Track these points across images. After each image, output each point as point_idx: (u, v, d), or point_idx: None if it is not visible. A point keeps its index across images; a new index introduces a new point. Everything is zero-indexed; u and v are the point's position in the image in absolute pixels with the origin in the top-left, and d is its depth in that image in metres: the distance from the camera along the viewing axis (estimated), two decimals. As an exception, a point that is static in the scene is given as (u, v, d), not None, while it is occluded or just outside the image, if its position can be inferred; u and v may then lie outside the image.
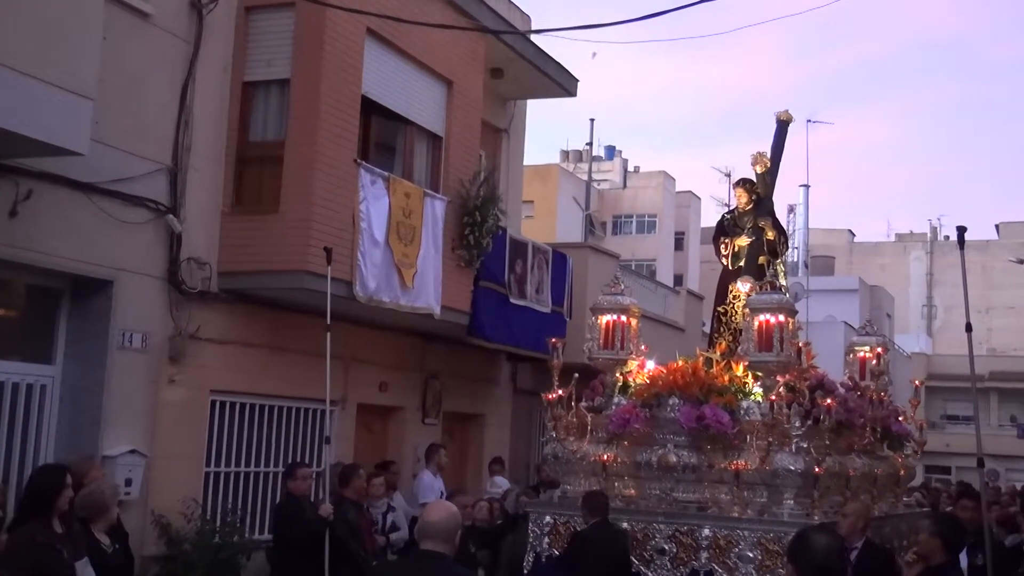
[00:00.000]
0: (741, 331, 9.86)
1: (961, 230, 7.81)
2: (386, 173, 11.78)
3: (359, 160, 11.36)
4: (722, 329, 10.83)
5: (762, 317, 9.21)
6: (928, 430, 13.22)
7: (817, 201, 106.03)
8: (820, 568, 3.61)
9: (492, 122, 15.90)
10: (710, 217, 68.96)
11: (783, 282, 10.81)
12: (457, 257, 12.99)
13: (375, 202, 11.47)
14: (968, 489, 10.91)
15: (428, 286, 12.29)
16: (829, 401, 9.30)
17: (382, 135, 12.58)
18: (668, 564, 8.84)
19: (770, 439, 8.86)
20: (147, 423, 10.06)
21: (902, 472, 10.98)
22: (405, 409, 13.88)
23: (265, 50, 11.14)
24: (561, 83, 16.33)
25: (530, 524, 9.61)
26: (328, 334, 9.47)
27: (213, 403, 10.96)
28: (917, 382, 11.72)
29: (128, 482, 9.68)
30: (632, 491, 9.48)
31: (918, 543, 6.66)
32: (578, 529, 8.92)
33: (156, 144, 10.26)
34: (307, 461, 11.65)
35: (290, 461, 11.46)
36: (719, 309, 10.94)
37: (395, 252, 11.69)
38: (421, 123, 12.80)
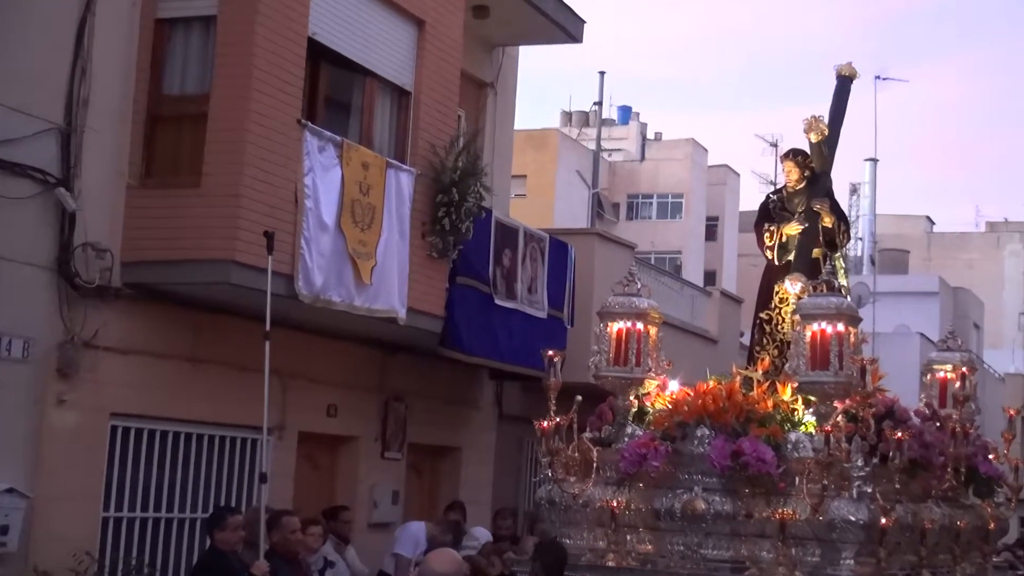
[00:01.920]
0: (789, 344, 9.85)
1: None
2: (339, 137, 11.75)
3: (304, 120, 11.33)
4: (765, 341, 10.81)
5: (816, 326, 9.21)
6: (1026, 472, 13.22)
7: (887, 180, 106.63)
8: None
9: (474, 74, 15.89)
10: (751, 198, 69.30)
11: (843, 282, 10.81)
12: (428, 246, 12.98)
13: (324, 174, 11.45)
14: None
15: (391, 283, 12.27)
16: (900, 434, 9.30)
17: (334, 89, 12.55)
18: (694, 641, 8.86)
19: (825, 482, 8.86)
20: (28, 455, 10.01)
21: (992, 525, 10.99)
22: (360, 439, 13.87)
23: (185, -22, 11.15)
24: (563, 25, 16.32)
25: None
26: (267, 343, 9.46)
27: (114, 429, 10.92)
28: (1012, 411, 11.72)
29: (3, 530, 9.64)
30: (649, 547, 9.47)
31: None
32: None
33: (43, 97, 10.21)
34: (237, 505, 11.63)
35: (215, 505, 11.42)
36: (762, 315, 10.93)
37: (349, 239, 11.67)
38: (384, 74, 12.78)
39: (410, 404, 14.47)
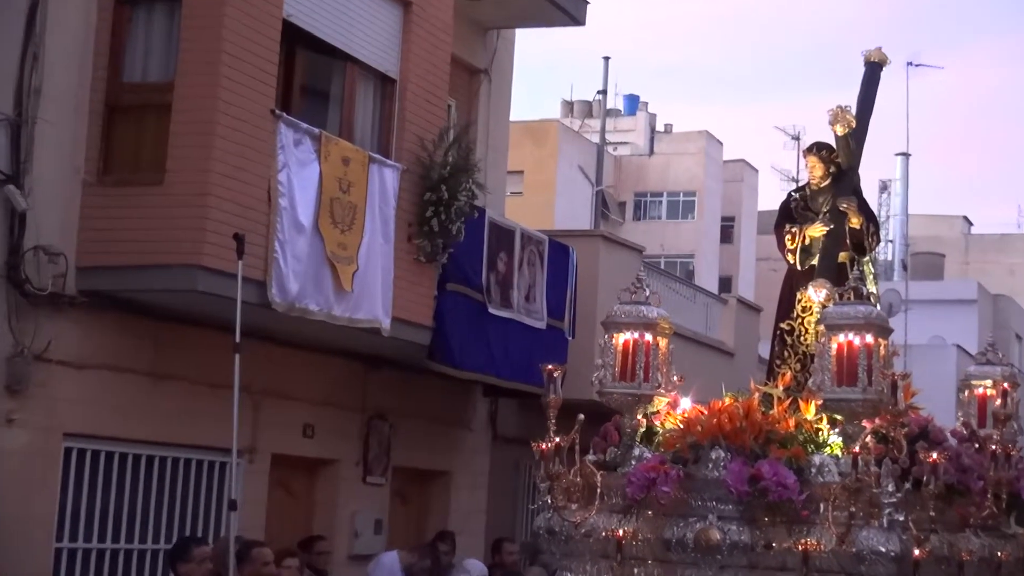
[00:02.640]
0: (813, 357, 9.85)
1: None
2: (316, 130, 11.76)
3: (278, 111, 11.34)
4: (787, 354, 10.80)
5: (842, 338, 9.20)
6: (1073, 498, 13.22)
7: (920, 176, 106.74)
8: None
9: (467, 60, 15.91)
10: (771, 197, 69.30)
11: (872, 288, 10.80)
12: (415, 249, 13.00)
13: (300, 170, 11.46)
14: None
15: (374, 290, 12.28)
16: (935, 456, 9.30)
17: (311, 76, 12.56)
18: None
19: (853, 509, 8.86)
20: (-26, 479, 10.01)
21: (1036, 556, 10.99)
22: (339, 463, 13.88)
23: (147, -46, 11.17)
24: (563, 6, 16.34)
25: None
26: (237, 356, 9.45)
27: (68, 451, 10.92)
28: (1059, 431, 11.73)
29: (-53, 562, 9.63)
30: (658, 580, 9.46)
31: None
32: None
33: (-9, 85, 10.23)
34: (204, 536, 11.62)
35: (179, 535, 11.41)
36: (782, 326, 10.92)
37: (327, 241, 11.68)
38: (366, 60, 12.80)
39: (395, 424, 14.46)
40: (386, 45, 12.99)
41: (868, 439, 8.94)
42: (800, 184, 11.59)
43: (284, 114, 11.40)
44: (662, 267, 30.67)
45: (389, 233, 12.51)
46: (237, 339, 9.59)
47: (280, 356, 12.65)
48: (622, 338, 10.16)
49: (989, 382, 11.34)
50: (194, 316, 11.33)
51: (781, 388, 10.29)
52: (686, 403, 10.21)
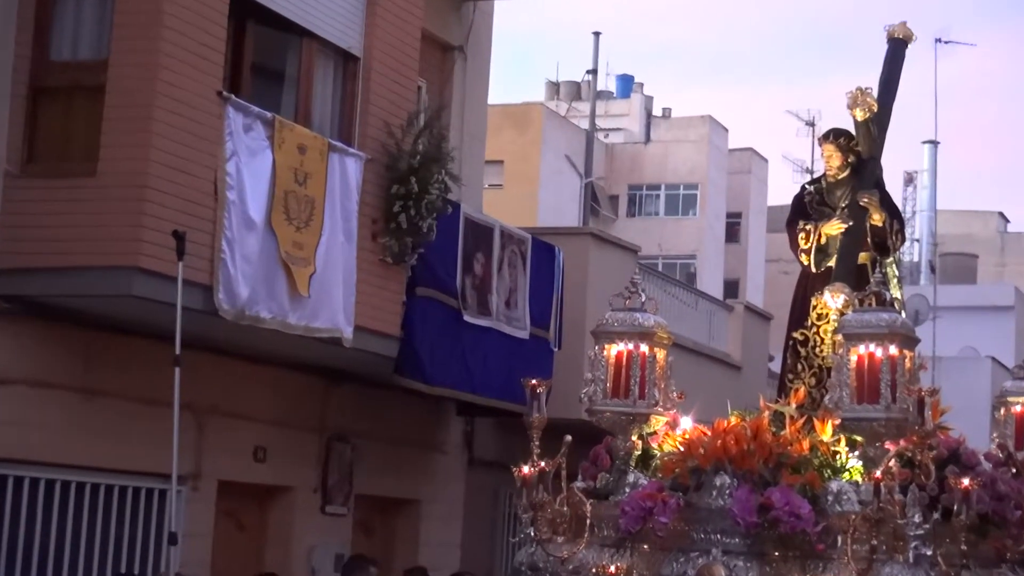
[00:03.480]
0: (830, 371, 9.87)
1: None
2: (269, 114, 11.75)
3: (226, 93, 11.33)
4: (800, 367, 10.83)
5: (863, 349, 9.22)
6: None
7: (950, 167, 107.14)
8: None
9: (439, 35, 15.90)
10: (782, 190, 69.35)
11: (896, 294, 10.84)
12: (381, 249, 12.99)
13: (251, 159, 11.45)
14: None
15: (334, 295, 12.27)
16: (967, 483, 9.32)
17: (264, 54, 12.54)
18: None
19: (874, 542, 8.87)
20: None
21: (1080, 595, 11.02)
22: (295, 490, 13.87)
23: (77, -85, 11.15)
24: (549, -26, 16.34)
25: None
26: (178, 370, 9.43)
27: (-13, 478, 10.88)
28: (1106, 453, 11.76)
29: None
30: (656, 623, 9.46)
31: None
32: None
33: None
34: (142, 572, 11.60)
35: (114, 571, 11.39)
36: (796, 335, 10.95)
37: (281, 240, 11.66)
38: (326, 35, 12.79)
39: (358, 446, 14.45)
40: (348, 18, 12.98)
41: (892, 463, 8.95)
42: (815, 176, 11.61)
43: (232, 96, 11.37)
44: (660, 269, 30.67)
45: (351, 231, 12.49)
46: (178, 350, 9.57)
47: (227, 370, 12.62)
48: (614, 349, 10.17)
49: (1027, 399, 11.37)
50: (130, 324, 11.30)
51: (794, 406, 10.31)
52: (687, 423, 10.22)
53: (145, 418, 11.37)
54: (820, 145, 11.42)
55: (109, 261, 10.57)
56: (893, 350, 9.20)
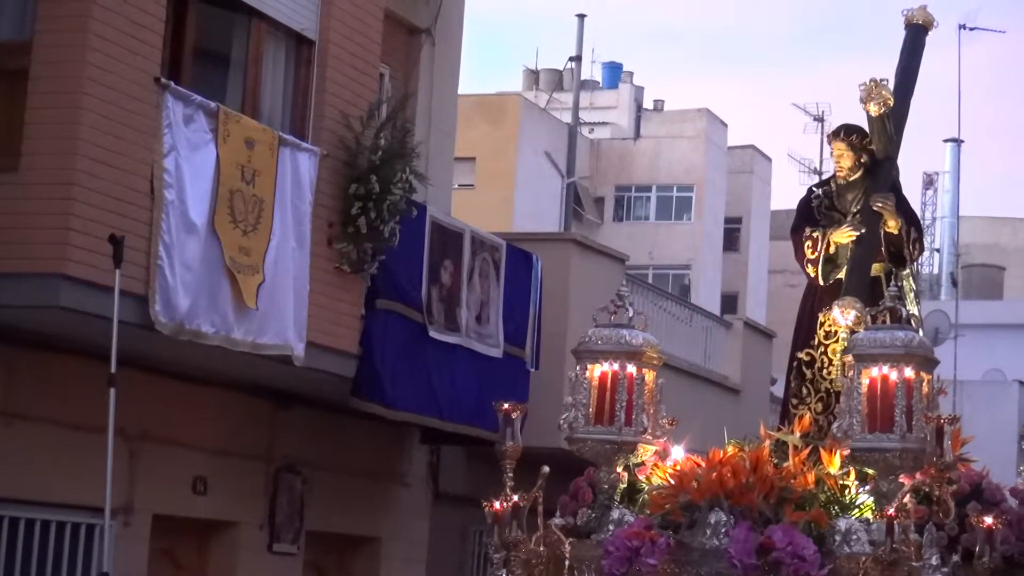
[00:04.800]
0: (839, 395, 9.90)
1: None
2: (213, 103, 11.76)
3: (165, 79, 11.33)
4: (806, 391, 10.86)
5: (876, 371, 9.25)
6: None
7: (975, 168, 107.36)
8: None
9: (404, 16, 15.94)
10: (787, 193, 69.39)
11: (914, 310, 10.88)
12: (337, 256, 13.01)
13: (192, 154, 11.46)
14: None
15: (284, 308, 12.28)
16: (990, 521, 9.37)
17: (207, 36, 12.54)
18: None
19: (888, 587, 8.90)
20: None
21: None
22: (238, 527, 13.88)
23: None
24: (527, -50, 16.39)
25: None
26: (112, 391, 9.42)
27: None
28: None
29: None
30: (643, 677, 9.47)
31: None
32: None
33: None
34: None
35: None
36: (801, 356, 10.98)
37: (226, 245, 11.67)
38: (277, 16, 12.82)
39: (309, 478, 14.47)
40: (302, -2, 13.03)
41: (907, 499, 8.99)
42: (824, 177, 11.64)
43: (172, 83, 11.38)
44: (650, 280, 30.75)
45: (304, 235, 12.51)
46: (113, 369, 9.56)
47: (164, 391, 12.63)
48: (598, 370, 10.18)
49: (1059, 428, 11.41)
50: (56, 339, 11.29)
51: (798, 434, 10.33)
52: (678, 453, 10.24)
53: (72, 445, 11.35)
54: (830, 143, 11.42)
55: (32, 267, 10.56)
56: (909, 373, 9.23)
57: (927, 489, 9.33)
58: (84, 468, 10.75)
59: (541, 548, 9.78)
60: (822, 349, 10.87)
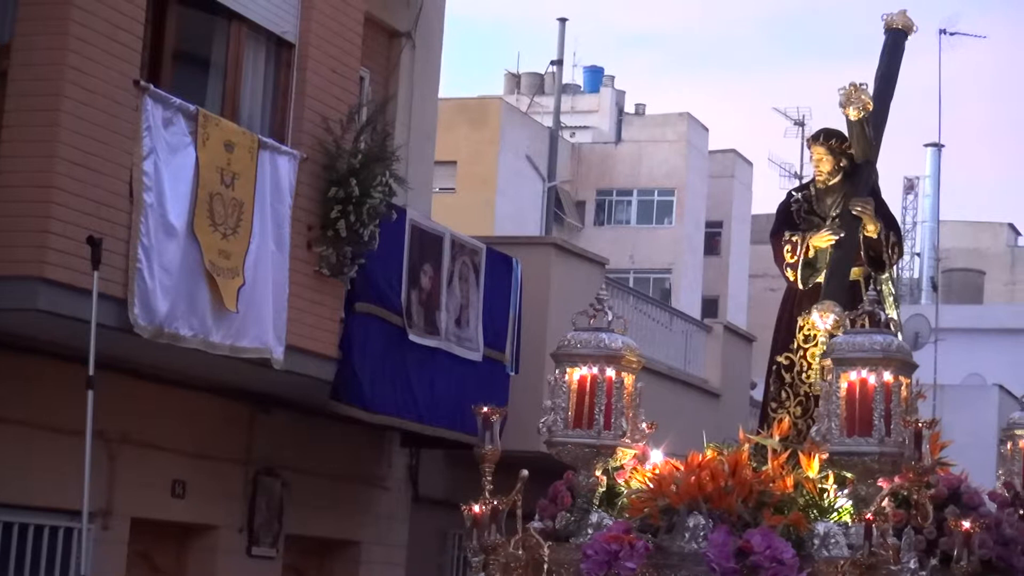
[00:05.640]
0: (818, 399, 9.91)
1: None
2: (193, 106, 11.75)
3: (144, 82, 11.32)
4: (785, 395, 10.87)
5: (855, 375, 9.26)
6: None
7: (955, 173, 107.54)
8: None
9: (384, 20, 15.93)
10: (768, 197, 69.64)
11: (893, 314, 10.89)
12: (317, 259, 13.00)
13: (171, 157, 11.45)
14: None
15: (263, 311, 12.27)
16: (969, 525, 9.38)
17: (187, 39, 12.53)
18: None
19: (866, 591, 8.91)
20: None
21: (1094, 651, 11.08)
22: (218, 530, 13.86)
23: None
24: (508, -46, 16.39)
25: None
26: (91, 394, 9.40)
27: None
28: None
29: None
30: None
31: None
32: None
33: None
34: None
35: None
36: (780, 359, 10.99)
37: (205, 248, 11.66)
38: (257, 19, 12.82)
39: (289, 481, 14.45)
40: (283, 1, 12.99)
41: (885, 503, 9.00)
42: (804, 181, 11.65)
43: (151, 86, 11.37)
44: (631, 284, 30.77)
45: (284, 239, 12.49)
46: (91, 371, 9.54)
47: (142, 394, 12.61)
48: (577, 374, 10.17)
49: (1037, 432, 11.43)
50: (35, 342, 11.27)
51: (777, 438, 10.34)
52: (657, 456, 10.24)
53: (50, 448, 11.33)
54: (809, 147, 11.42)
55: (11, 270, 10.53)
56: (888, 376, 9.24)
57: (905, 493, 9.34)
58: (62, 471, 10.73)
59: (520, 552, 9.77)
60: (801, 353, 10.89)
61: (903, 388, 9.28)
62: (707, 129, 54.31)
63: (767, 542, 9.17)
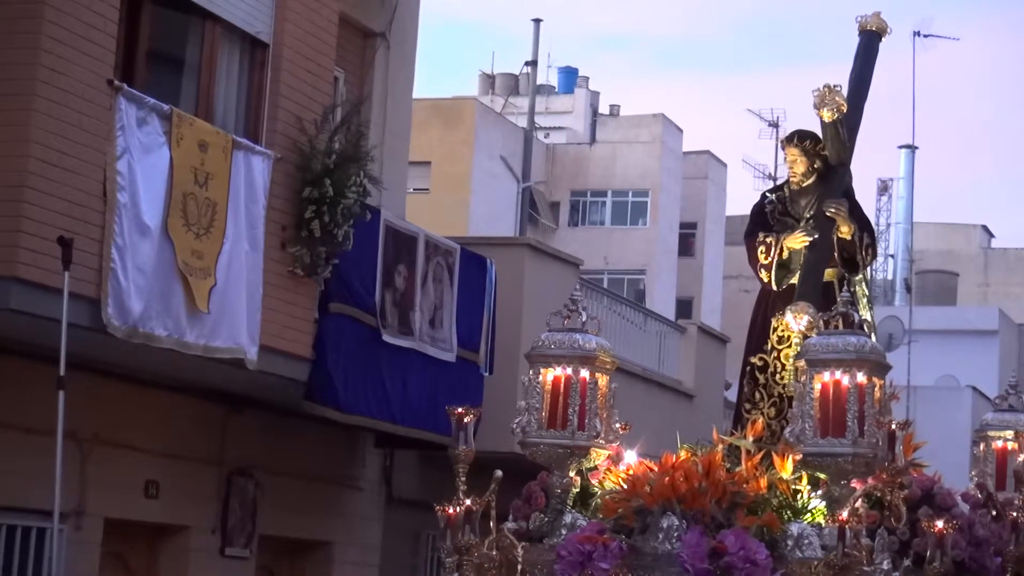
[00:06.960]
0: (791, 400, 9.92)
1: None
2: (167, 106, 11.73)
3: (118, 82, 11.30)
4: (758, 396, 10.89)
5: (828, 376, 9.27)
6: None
7: (929, 175, 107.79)
8: None
9: (359, 20, 15.93)
10: (742, 198, 69.58)
11: (866, 315, 10.90)
12: (291, 259, 13.00)
13: (145, 157, 11.43)
14: None
15: (237, 311, 12.27)
16: (942, 526, 9.40)
17: (161, 39, 12.51)
18: None
19: (839, 592, 8.92)
20: None
21: (1066, 652, 11.11)
22: (190, 531, 13.84)
23: None
24: (483, -46, 16.41)
25: None
26: (62, 394, 9.38)
27: None
28: (1096, 494, 11.86)
29: None
30: None
31: None
32: None
33: None
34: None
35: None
36: (754, 360, 11.00)
37: (179, 248, 11.65)
38: (231, 18, 12.81)
39: (262, 482, 14.44)
40: (256, 0, 12.98)
41: (858, 504, 9.01)
42: (778, 183, 11.66)
43: (125, 86, 11.35)
44: (605, 285, 30.76)
45: (257, 239, 12.48)
46: (62, 371, 9.52)
47: (115, 394, 12.59)
48: (551, 375, 10.16)
49: (1011, 433, 11.45)
50: (6, 342, 11.23)
51: (751, 439, 10.34)
52: (631, 457, 10.24)
53: (22, 448, 11.30)
54: (783, 149, 11.44)
55: (-18, 271, 10.53)
56: (861, 378, 9.25)
57: (879, 494, 9.36)
58: (34, 471, 10.69)
59: (494, 552, 9.77)
60: (775, 354, 10.90)
61: (876, 389, 9.30)
62: (681, 130, 54.39)
63: (741, 543, 9.18)
